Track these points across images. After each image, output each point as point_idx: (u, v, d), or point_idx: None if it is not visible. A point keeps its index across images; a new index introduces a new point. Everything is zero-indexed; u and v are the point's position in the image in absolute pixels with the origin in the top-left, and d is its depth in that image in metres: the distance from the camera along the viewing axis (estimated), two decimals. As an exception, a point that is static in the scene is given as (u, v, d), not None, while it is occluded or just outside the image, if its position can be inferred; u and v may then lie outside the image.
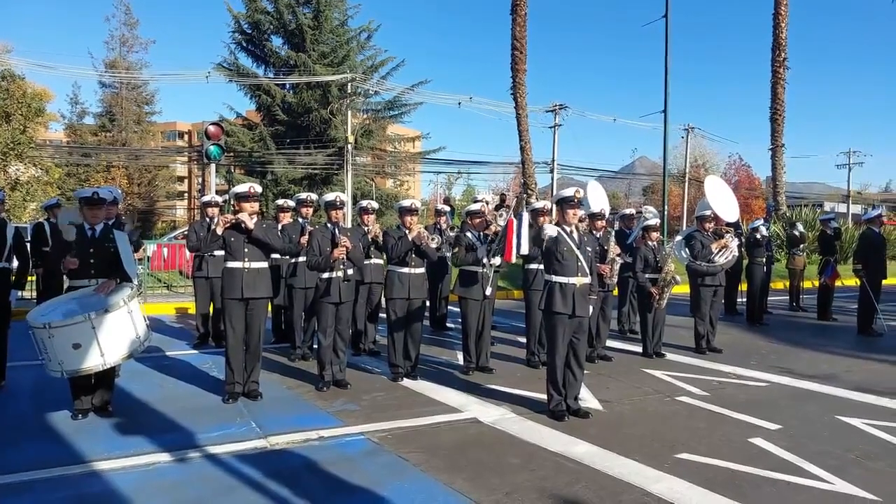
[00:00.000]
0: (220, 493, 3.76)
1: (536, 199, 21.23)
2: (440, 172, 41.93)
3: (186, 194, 58.03)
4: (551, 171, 33.76)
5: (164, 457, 4.27)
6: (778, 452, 4.51)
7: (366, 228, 6.91)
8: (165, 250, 13.79)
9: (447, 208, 9.87)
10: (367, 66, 29.52)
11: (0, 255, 5.81)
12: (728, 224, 8.80)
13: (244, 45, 28.96)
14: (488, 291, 6.72)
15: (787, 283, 13.40)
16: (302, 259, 7.00)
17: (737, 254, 8.48)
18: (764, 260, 10.96)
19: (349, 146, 25.87)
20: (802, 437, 4.88)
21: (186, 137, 63.69)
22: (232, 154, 26.65)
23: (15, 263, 6.12)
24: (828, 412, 5.59)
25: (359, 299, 7.11)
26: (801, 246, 12.64)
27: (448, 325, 9.59)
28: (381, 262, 7.64)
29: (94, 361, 4.73)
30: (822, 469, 4.19)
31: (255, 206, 5.62)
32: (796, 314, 12.24)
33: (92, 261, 5.04)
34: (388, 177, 36.38)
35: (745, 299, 11.11)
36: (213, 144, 11.63)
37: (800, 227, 12.91)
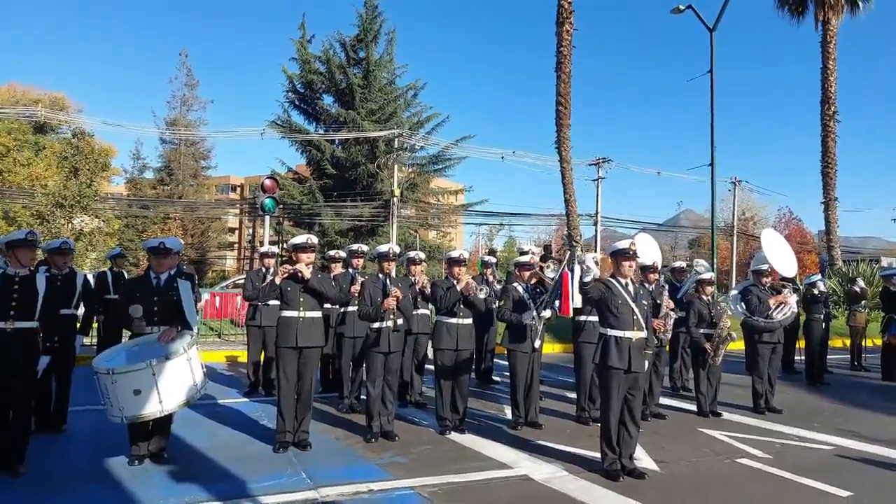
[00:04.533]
0: (272, 545, 3.75)
1: (582, 251, 21.09)
2: (482, 224, 42.18)
3: (237, 245, 59.71)
4: (595, 224, 33.62)
5: (218, 505, 4.29)
6: (851, 522, 4.25)
7: (413, 279, 6.97)
8: (217, 299, 14.16)
9: (493, 259, 9.88)
10: (413, 122, 30.31)
11: (70, 302, 6.07)
12: (784, 279, 8.56)
13: (297, 103, 30.17)
14: (537, 343, 6.65)
15: (846, 341, 12.82)
16: (352, 308, 7.08)
17: (795, 310, 8.20)
18: (822, 316, 10.56)
19: (395, 199, 26.39)
20: (877, 505, 4.59)
21: (239, 190, 66.00)
22: (282, 206, 27.46)
23: (81, 310, 6.39)
24: (902, 480, 5.26)
25: (406, 350, 7.12)
26: (863, 302, 12.14)
27: (494, 378, 9.47)
28: (427, 312, 7.67)
29: (152, 408, 4.84)
30: (903, 541, 3.92)
31: (312, 256, 5.75)
32: (858, 374, 11.66)
33: (156, 308, 5.21)
34: (432, 228, 36.71)
35: (803, 357, 10.66)
36: (268, 197, 12.05)
37: (860, 282, 12.44)
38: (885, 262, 38.81)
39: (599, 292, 5.26)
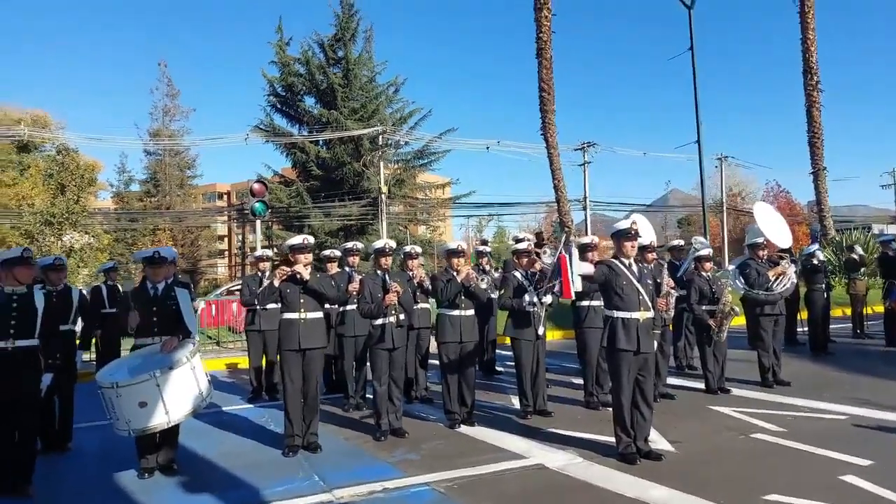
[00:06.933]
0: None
1: (576, 236, 21.06)
2: (471, 216, 42.10)
3: (227, 252, 59.35)
4: (584, 209, 33.65)
5: (232, 514, 4.22)
6: (876, 490, 4.21)
7: (410, 273, 6.88)
8: (213, 307, 14.03)
9: (488, 249, 9.81)
10: (396, 118, 30.18)
11: (66, 317, 5.96)
12: (781, 250, 8.55)
13: (279, 106, 29.95)
14: (541, 330, 6.59)
15: (846, 310, 12.87)
16: (350, 307, 7.01)
17: (795, 280, 8.19)
18: (823, 286, 10.57)
19: (382, 196, 26.28)
20: (898, 471, 4.56)
21: (226, 198, 65.59)
22: (270, 210, 27.21)
23: (79, 326, 6.29)
24: (919, 443, 5.24)
25: (408, 346, 7.04)
26: (862, 270, 12.14)
27: (497, 368, 9.42)
28: (427, 306, 7.59)
29: (159, 419, 4.76)
30: (927, 506, 3.89)
31: (309, 257, 5.67)
32: (862, 341, 11.69)
33: (155, 318, 5.13)
34: (421, 223, 36.63)
35: (805, 328, 10.68)
36: (257, 202, 11.94)
37: (858, 250, 12.43)
38: (876, 228, 39.07)
39: (603, 275, 5.20)
